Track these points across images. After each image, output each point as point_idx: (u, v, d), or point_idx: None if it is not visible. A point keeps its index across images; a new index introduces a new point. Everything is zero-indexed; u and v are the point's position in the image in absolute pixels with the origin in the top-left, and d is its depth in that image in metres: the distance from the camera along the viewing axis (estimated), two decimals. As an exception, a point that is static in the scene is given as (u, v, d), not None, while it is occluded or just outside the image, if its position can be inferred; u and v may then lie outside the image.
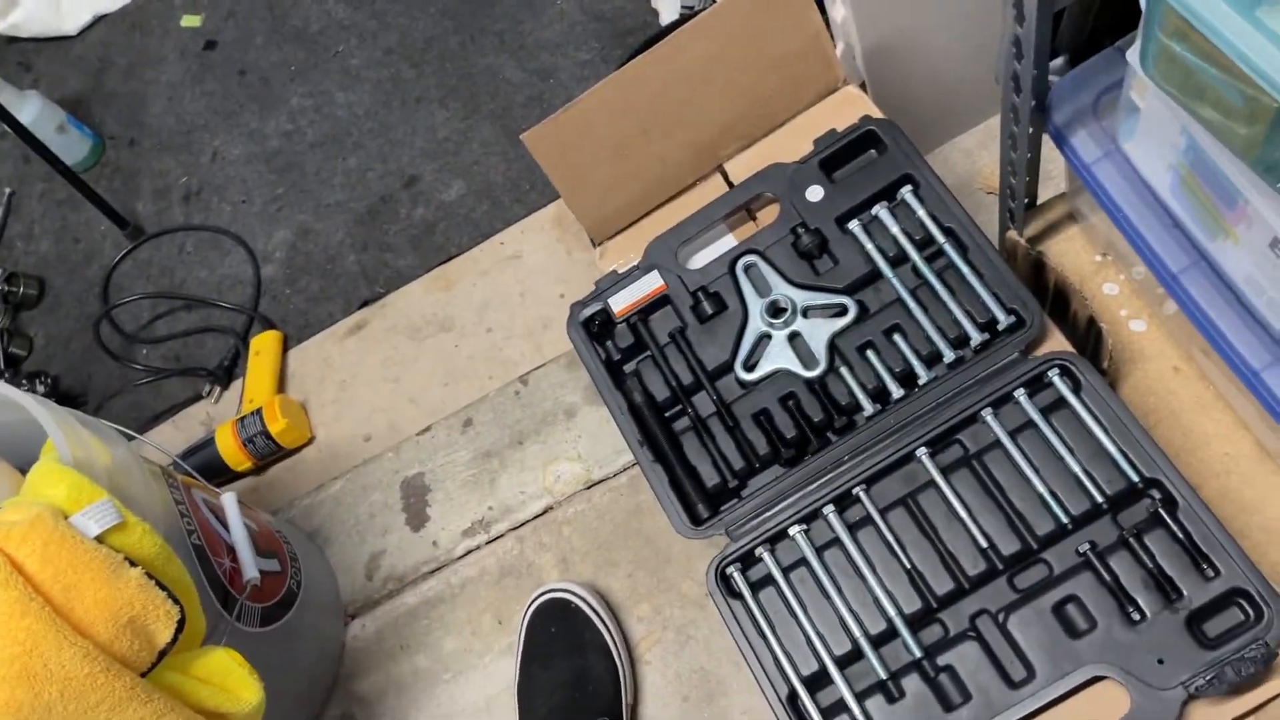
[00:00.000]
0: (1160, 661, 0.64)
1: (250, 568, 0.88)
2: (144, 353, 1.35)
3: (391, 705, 1.00)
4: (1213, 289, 0.68)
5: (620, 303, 0.84)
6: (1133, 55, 0.60)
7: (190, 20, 1.63)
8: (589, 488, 1.03)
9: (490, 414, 1.11)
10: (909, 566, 0.72)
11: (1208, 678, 0.63)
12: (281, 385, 1.24)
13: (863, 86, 0.93)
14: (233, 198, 1.43)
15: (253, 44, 1.55)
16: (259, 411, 1.15)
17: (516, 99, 1.35)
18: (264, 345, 1.25)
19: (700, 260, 0.86)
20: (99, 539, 0.64)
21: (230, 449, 1.15)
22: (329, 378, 1.22)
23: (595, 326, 0.85)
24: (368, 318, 1.25)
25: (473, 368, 1.16)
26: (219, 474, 1.17)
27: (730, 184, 0.90)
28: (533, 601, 0.92)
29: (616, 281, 0.85)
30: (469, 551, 1.05)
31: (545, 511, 1.04)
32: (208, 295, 1.36)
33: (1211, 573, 0.65)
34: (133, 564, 0.64)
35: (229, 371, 1.28)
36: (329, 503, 1.13)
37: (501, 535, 1.04)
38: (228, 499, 0.93)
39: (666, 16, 1.27)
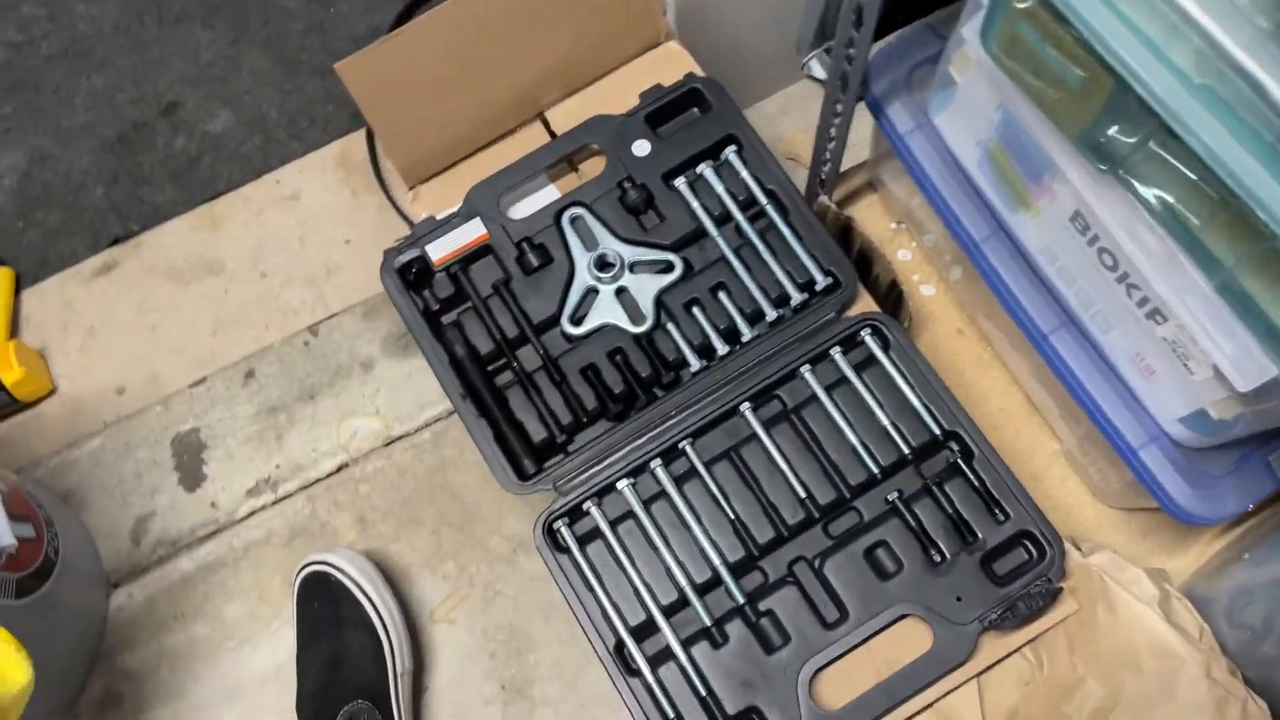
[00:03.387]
0: (959, 599, 0.71)
1: (4, 534, 0.78)
2: None
3: (165, 678, 0.92)
4: (1010, 258, 0.74)
5: (439, 250, 0.81)
6: (970, 31, 0.63)
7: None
8: (388, 444, 0.99)
9: (276, 366, 1.04)
10: (732, 517, 0.74)
11: (999, 612, 0.69)
12: (15, 330, 1.10)
13: (681, 44, 0.93)
14: (-55, 113, 1.24)
15: (-34, -64, 1.35)
16: (-8, 359, 1.02)
17: (293, 26, 1.26)
18: (-6, 284, 1.10)
19: (521, 210, 0.84)
20: None
21: (-43, 402, 1.01)
22: (73, 323, 1.10)
23: (411, 275, 0.81)
24: (119, 257, 1.13)
25: (246, 315, 1.08)
26: (-59, 430, 1.02)
27: (552, 133, 0.88)
28: (299, 573, 0.87)
29: (435, 228, 0.82)
30: (253, 512, 0.98)
31: (340, 469, 0.99)
32: (-84, 224, 1.18)
33: (1002, 516, 0.72)
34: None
35: (-53, 313, 1.12)
36: (85, 461, 1.01)
37: (291, 495, 0.98)
38: (-29, 458, 0.81)
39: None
